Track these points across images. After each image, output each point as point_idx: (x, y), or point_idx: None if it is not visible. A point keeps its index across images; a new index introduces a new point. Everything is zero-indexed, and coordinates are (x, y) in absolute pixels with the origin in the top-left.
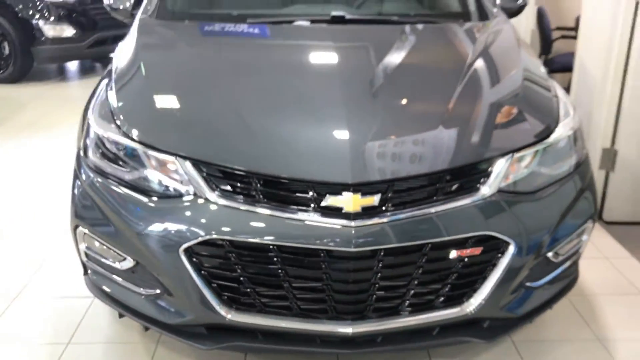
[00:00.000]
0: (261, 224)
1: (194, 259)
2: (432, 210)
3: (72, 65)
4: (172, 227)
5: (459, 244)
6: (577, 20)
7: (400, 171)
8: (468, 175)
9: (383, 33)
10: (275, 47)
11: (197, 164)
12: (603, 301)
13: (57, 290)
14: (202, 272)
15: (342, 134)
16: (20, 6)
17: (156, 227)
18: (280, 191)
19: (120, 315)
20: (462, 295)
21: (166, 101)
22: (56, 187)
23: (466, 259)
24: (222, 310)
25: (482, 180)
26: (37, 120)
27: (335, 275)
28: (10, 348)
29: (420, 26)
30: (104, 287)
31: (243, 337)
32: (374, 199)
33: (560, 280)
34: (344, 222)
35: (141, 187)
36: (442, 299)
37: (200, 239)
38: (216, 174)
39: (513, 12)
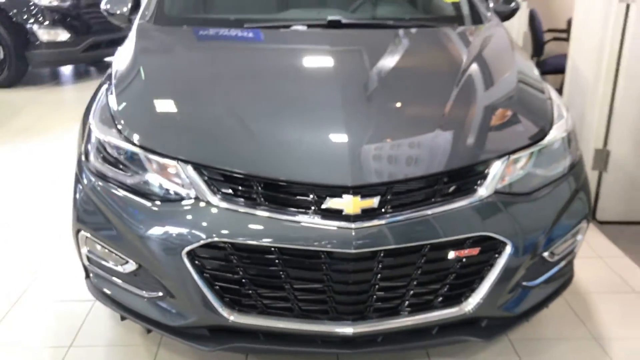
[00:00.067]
0: (262, 227)
1: (197, 262)
2: (431, 211)
3: (66, 70)
4: (175, 230)
5: (457, 245)
6: (569, 22)
7: (399, 173)
8: (465, 177)
9: (379, 37)
10: (273, 51)
11: (198, 167)
12: (597, 300)
13: (57, 294)
14: (205, 274)
15: (341, 137)
16: (15, 10)
17: (159, 231)
18: (281, 194)
19: (122, 318)
20: (461, 295)
21: (167, 106)
22: (52, 192)
23: (464, 260)
24: (224, 312)
25: (479, 182)
26: (32, 125)
27: (336, 277)
28: (12, 352)
29: (415, 30)
30: (106, 290)
31: (245, 338)
32: (374, 201)
33: (556, 280)
34: (344, 224)
35: (143, 191)
36: (441, 299)
37: (202, 241)
38: (217, 178)
39: (506, 15)
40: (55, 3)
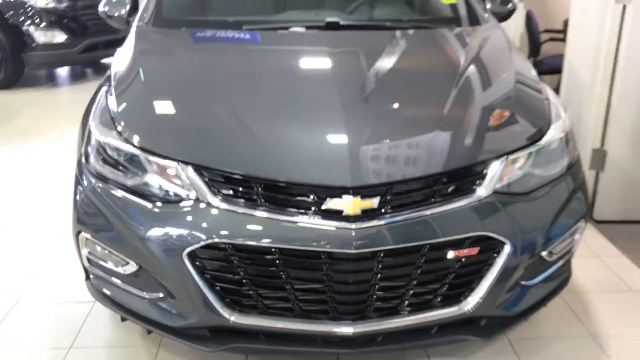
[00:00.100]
0: (263, 227)
1: (197, 263)
2: (430, 212)
3: (63, 71)
4: (175, 231)
5: (456, 245)
6: (565, 22)
7: (398, 174)
8: (464, 177)
9: (377, 38)
10: (272, 53)
11: (198, 169)
12: (595, 298)
13: (56, 296)
14: (206, 275)
15: (341, 138)
16: (11, 12)
17: (159, 232)
18: (281, 195)
19: (123, 319)
20: (460, 294)
21: (166, 107)
22: (50, 193)
23: (463, 259)
24: (225, 313)
25: (477, 182)
26: (29, 127)
27: (336, 277)
28: (12, 354)
29: (413, 31)
30: (106, 292)
31: (245, 339)
32: (373, 202)
33: (554, 279)
34: (344, 224)
35: (143, 193)
36: (440, 298)
37: (203, 242)
38: (218, 179)
39: (503, 16)
40: (51, 5)
